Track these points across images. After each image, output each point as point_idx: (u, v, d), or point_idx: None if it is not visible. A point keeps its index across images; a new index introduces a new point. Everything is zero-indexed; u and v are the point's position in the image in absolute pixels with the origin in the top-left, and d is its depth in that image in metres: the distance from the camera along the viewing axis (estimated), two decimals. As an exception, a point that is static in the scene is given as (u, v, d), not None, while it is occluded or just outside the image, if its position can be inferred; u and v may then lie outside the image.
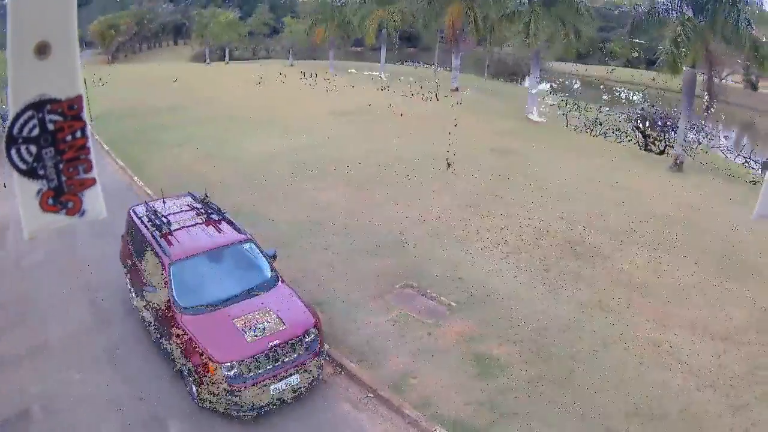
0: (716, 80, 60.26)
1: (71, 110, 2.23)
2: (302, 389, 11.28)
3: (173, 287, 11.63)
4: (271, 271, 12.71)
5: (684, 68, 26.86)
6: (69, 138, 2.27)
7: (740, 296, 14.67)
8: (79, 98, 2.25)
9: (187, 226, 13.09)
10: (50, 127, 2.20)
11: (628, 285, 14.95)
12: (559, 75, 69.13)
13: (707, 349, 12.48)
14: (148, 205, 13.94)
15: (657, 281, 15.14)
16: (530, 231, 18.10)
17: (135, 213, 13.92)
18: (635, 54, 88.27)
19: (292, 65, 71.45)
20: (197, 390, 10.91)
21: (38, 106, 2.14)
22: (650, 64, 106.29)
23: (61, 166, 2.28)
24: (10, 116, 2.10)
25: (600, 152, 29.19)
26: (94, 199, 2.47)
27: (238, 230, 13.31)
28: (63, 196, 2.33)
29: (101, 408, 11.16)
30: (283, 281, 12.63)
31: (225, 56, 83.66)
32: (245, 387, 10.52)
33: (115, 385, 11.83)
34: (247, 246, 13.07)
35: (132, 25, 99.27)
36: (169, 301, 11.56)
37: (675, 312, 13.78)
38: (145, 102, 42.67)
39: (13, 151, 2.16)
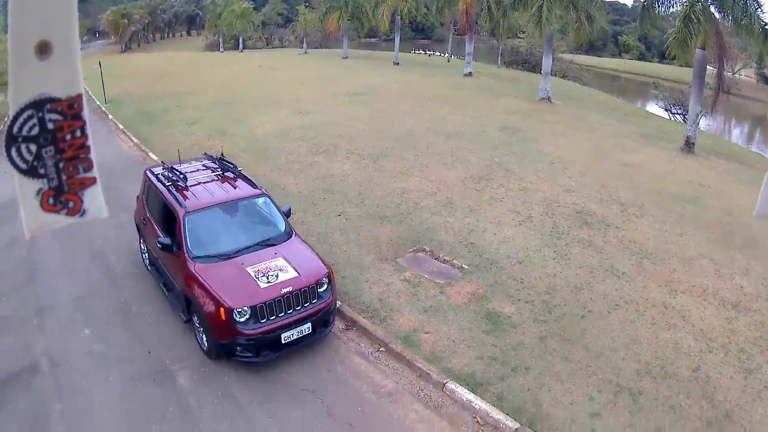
0: (728, 74, 60.66)
1: (71, 109, 2.19)
2: (314, 338, 11.31)
3: (187, 237, 11.61)
4: (285, 225, 12.70)
5: (695, 50, 26.83)
6: (69, 137, 2.21)
7: (749, 267, 14.54)
8: (79, 97, 2.23)
9: (203, 183, 13.06)
10: (50, 126, 2.14)
11: (638, 253, 14.85)
12: (572, 67, 68.39)
13: (718, 314, 12.37)
14: (165, 165, 13.93)
15: (666, 250, 15.03)
16: (541, 202, 18.02)
17: (151, 172, 13.92)
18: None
19: (305, 53, 71.29)
20: (208, 339, 10.95)
21: (38, 104, 2.08)
22: (662, 57, 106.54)
23: (61, 165, 2.21)
24: (10, 115, 2.06)
25: (611, 133, 28.95)
26: (94, 199, 2.36)
27: (254, 186, 13.30)
28: (63, 196, 2.26)
29: (109, 362, 11.16)
30: (296, 235, 12.63)
31: (239, 45, 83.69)
32: (256, 333, 10.52)
33: (124, 341, 11.86)
34: (261, 200, 13.08)
35: (145, 15, 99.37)
36: (182, 250, 11.53)
37: (685, 279, 13.68)
38: (159, 88, 42.75)
39: (13, 150, 2.10)
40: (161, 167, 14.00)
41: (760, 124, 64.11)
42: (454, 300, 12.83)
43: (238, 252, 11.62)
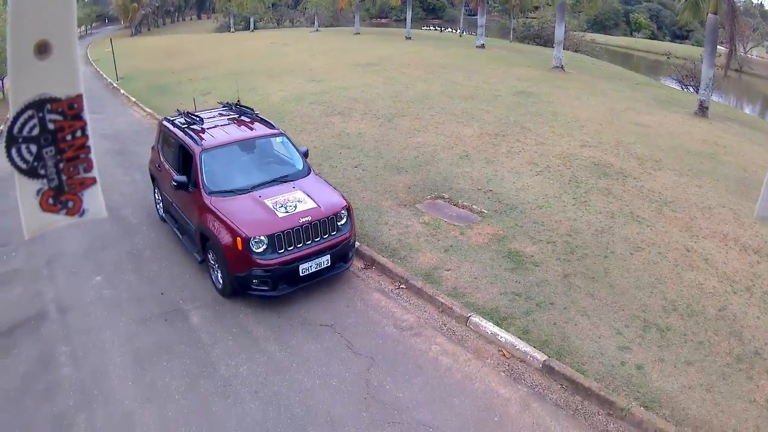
0: (740, 53, 60.38)
1: (71, 109, 2.11)
2: (332, 273, 10.95)
3: (203, 173, 11.22)
4: (303, 163, 12.30)
5: (708, 15, 26.62)
6: (69, 137, 2.15)
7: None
8: (79, 97, 2.13)
9: (219, 125, 12.68)
10: (50, 126, 2.08)
11: (658, 201, 14.38)
12: (584, 41, 67.76)
13: (740, 258, 11.92)
14: (181, 111, 13.53)
15: (686, 199, 14.56)
16: (558, 155, 17.54)
17: (167, 119, 13.47)
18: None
19: (317, 30, 70.77)
20: (223, 274, 10.59)
21: (38, 105, 2.02)
22: (674, 37, 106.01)
23: (61, 165, 2.16)
24: (10, 115, 1.99)
25: (625, 98, 28.45)
26: (94, 199, 2.32)
27: (272, 126, 12.92)
28: (63, 196, 2.21)
29: (119, 305, 10.85)
30: (315, 173, 12.24)
31: (249, 26, 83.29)
32: (274, 264, 10.14)
33: (135, 285, 11.54)
34: (279, 140, 12.67)
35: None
36: (198, 187, 11.16)
37: (705, 225, 13.22)
38: (170, 64, 42.33)
39: (14, 151, 2.04)
40: (177, 114, 13.54)
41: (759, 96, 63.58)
42: (474, 240, 12.41)
43: (255, 187, 11.23)
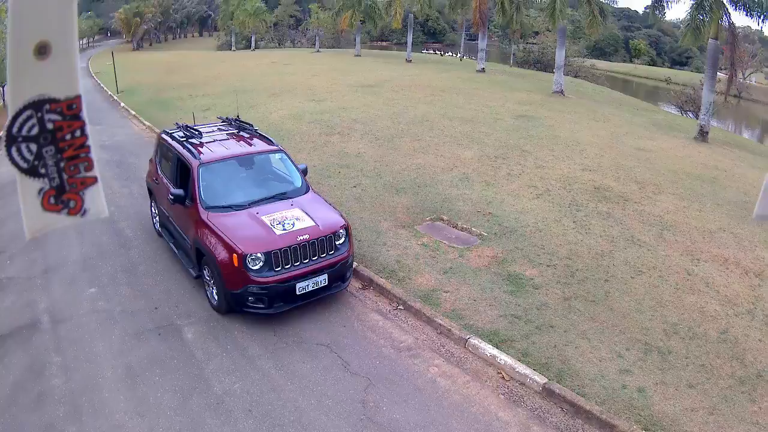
0: (740, 79, 60.57)
1: (70, 110, 2.11)
2: (329, 292, 10.79)
3: (200, 187, 11.10)
4: (302, 181, 12.17)
5: (708, 40, 26.86)
6: (69, 137, 2.15)
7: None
8: (78, 98, 2.12)
9: (218, 140, 12.59)
10: (49, 126, 2.08)
11: (658, 225, 14.27)
12: (584, 66, 67.91)
13: (741, 282, 11.78)
14: (180, 125, 13.44)
15: (686, 224, 14.45)
16: (558, 179, 17.45)
17: (165, 132, 13.40)
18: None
19: (318, 52, 70.94)
20: (218, 290, 10.43)
21: (37, 105, 2.02)
22: (673, 63, 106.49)
23: (62, 164, 2.16)
24: (9, 115, 1.99)
25: (625, 123, 28.50)
26: (95, 198, 2.31)
27: (271, 142, 12.84)
28: (64, 195, 2.21)
29: (113, 318, 10.70)
30: (314, 191, 12.12)
31: (251, 45, 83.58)
32: (270, 282, 9.98)
33: (130, 298, 11.40)
34: (278, 156, 12.57)
35: (157, 14, 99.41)
36: (195, 202, 11.04)
37: (706, 249, 13.11)
38: (171, 79, 42.52)
39: (14, 150, 2.04)
40: (176, 127, 13.43)
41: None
42: (474, 263, 12.28)
43: (253, 203, 11.11)
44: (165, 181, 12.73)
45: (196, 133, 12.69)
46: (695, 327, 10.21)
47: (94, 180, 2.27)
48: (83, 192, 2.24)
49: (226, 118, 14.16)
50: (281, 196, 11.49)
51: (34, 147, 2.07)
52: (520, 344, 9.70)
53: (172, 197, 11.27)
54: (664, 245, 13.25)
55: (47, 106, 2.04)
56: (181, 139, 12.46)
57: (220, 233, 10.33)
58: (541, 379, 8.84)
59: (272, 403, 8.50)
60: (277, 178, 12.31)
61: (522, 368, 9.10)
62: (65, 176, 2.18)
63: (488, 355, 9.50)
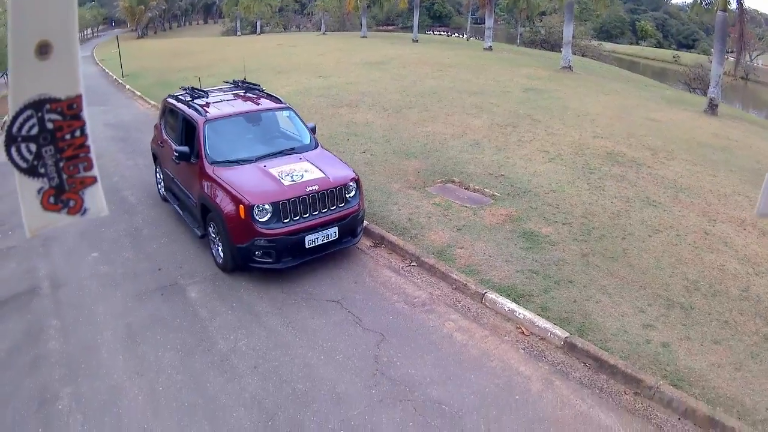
0: (747, 61, 60.24)
1: (71, 110, 2.05)
2: (339, 247, 10.35)
3: (206, 143, 10.64)
4: (311, 138, 11.69)
5: (717, 12, 26.47)
6: (68, 136, 2.10)
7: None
8: (78, 98, 2.07)
9: (225, 100, 12.15)
10: (49, 125, 2.03)
11: (673, 187, 13.74)
12: (591, 49, 67.43)
13: (760, 242, 11.29)
14: (186, 87, 13.03)
15: (701, 187, 13.93)
16: (570, 144, 16.92)
17: (171, 96, 12.96)
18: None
19: (324, 34, 70.42)
20: (224, 246, 9.98)
21: (38, 105, 1.97)
22: (680, 46, 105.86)
23: (61, 164, 2.12)
24: (9, 115, 1.93)
25: (634, 96, 28.00)
26: (95, 197, 2.28)
27: (278, 101, 12.41)
28: (64, 194, 2.17)
29: (114, 280, 10.27)
30: (323, 147, 11.64)
31: (256, 30, 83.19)
32: (278, 234, 9.51)
33: (133, 261, 10.97)
34: (286, 114, 12.08)
35: (161, 2, 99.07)
36: (201, 157, 10.58)
37: (723, 211, 12.60)
38: (177, 64, 42.06)
39: (13, 150, 1.99)
40: (182, 90, 13.00)
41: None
42: (488, 221, 11.77)
43: (260, 158, 10.62)
44: (170, 142, 12.26)
45: (203, 93, 12.29)
46: (716, 284, 9.70)
47: (94, 180, 2.25)
48: (83, 191, 2.22)
49: (233, 81, 13.66)
50: (289, 152, 11.02)
51: (33, 147, 2.04)
52: (539, 299, 9.19)
53: (176, 154, 10.83)
54: (679, 206, 12.74)
55: (48, 106, 2.01)
56: (187, 101, 12.00)
57: (226, 185, 9.84)
58: (562, 333, 8.32)
59: (279, 359, 8.01)
60: (284, 135, 11.81)
61: (542, 322, 8.59)
62: (65, 176, 2.16)
63: (506, 309, 8.99)
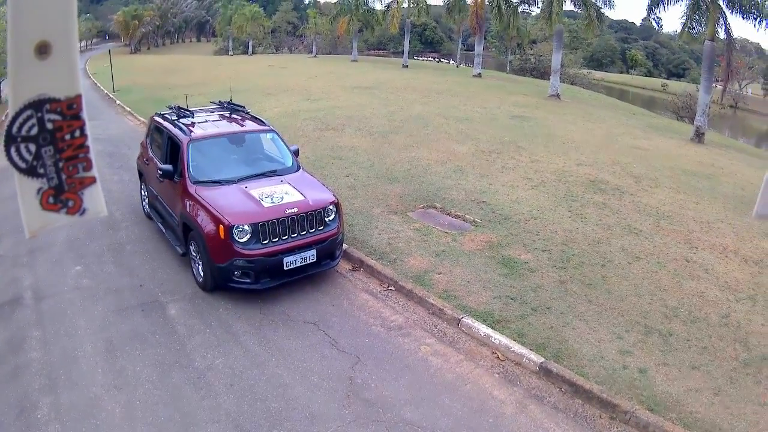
0: (736, 89, 60.85)
1: (70, 110, 2.07)
2: (318, 270, 10.49)
3: (189, 163, 10.81)
4: (293, 161, 11.86)
5: (705, 41, 27.08)
6: (68, 137, 2.11)
7: (767, 232, 13.62)
8: (78, 98, 2.09)
9: (210, 120, 12.37)
10: (49, 126, 2.04)
11: (655, 215, 13.93)
12: (580, 77, 67.96)
13: (741, 269, 11.44)
14: (172, 106, 13.22)
15: (683, 215, 14.13)
16: (553, 172, 17.13)
17: (158, 114, 13.19)
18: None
19: (315, 57, 70.82)
20: (204, 265, 10.09)
21: (37, 105, 1.98)
22: (670, 75, 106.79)
23: (60, 164, 2.13)
24: (9, 115, 1.95)
25: (621, 124, 28.38)
26: (94, 198, 2.28)
27: (262, 123, 12.62)
28: (63, 195, 2.18)
29: (96, 295, 10.37)
30: (305, 170, 11.81)
31: (248, 50, 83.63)
32: (257, 255, 9.63)
33: (115, 276, 11.09)
34: (269, 136, 12.29)
35: (155, 17, 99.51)
36: (183, 177, 10.73)
37: (704, 238, 12.77)
38: (168, 80, 42.42)
39: (13, 150, 2.00)
40: (168, 109, 13.18)
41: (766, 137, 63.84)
42: (467, 247, 11.91)
43: (242, 179, 10.79)
44: (156, 160, 12.45)
45: (188, 113, 12.48)
46: (696, 311, 9.83)
47: (93, 180, 2.23)
48: (82, 192, 2.21)
49: (219, 101, 13.85)
50: (271, 174, 11.21)
51: (33, 147, 2.03)
52: (516, 325, 9.30)
53: (160, 172, 11.00)
54: (661, 234, 12.91)
55: (47, 106, 2.00)
56: (173, 119, 12.21)
57: (207, 205, 9.99)
58: (537, 359, 8.43)
59: (255, 378, 8.11)
60: (267, 157, 12.01)
61: (517, 348, 8.70)
62: (64, 176, 2.14)
63: (482, 334, 9.08)
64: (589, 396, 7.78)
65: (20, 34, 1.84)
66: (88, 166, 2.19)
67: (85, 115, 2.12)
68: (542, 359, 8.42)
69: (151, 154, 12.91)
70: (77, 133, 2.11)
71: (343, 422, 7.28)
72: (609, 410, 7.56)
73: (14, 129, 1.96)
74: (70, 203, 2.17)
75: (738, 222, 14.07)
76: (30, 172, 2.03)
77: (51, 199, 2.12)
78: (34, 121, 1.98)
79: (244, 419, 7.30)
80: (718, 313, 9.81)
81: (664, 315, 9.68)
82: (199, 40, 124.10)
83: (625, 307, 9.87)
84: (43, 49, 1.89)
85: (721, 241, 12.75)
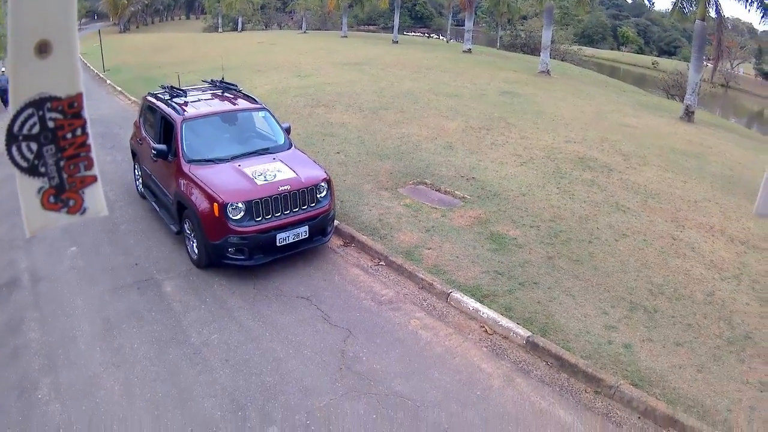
0: (728, 69, 60.95)
1: (71, 108, 2.08)
2: (310, 245, 10.72)
3: (183, 142, 10.95)
4: (285, 138, 12.03)
5: (696, 21, 27.20)
6: (69, 135, 2.12)
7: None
8: (79, 96, 2.11)
9: (203, 99, 12.49)
10: (50, 124, 2.05)
11: (643, 193, 14.14)
12: (570, 54, 67.86)
13: (727, 249, 11.67)
14: (165, 86, 13.33)
15: (671, 193, 14.33)
16: (542, 149, 17.29)
17: (151, 94, 13.24)
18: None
19: (305, 33, 70.51)
20: (198, 242, 10.30)
21: (38, 103, 1.99)
22: (661, 52, 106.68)
23: (62, 163, 2.13)
24: (10, 114, 1.95)
25: (610, 101, 28.50)
26: (95, 197, 2.30)
27: (254, 101, 12.77)
28: (64, 194, 2.18)
29: (92, 275, 10.54)
30: (296, 147, 11.96)
31: (237, 27, 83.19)
32: (251, 232, 9.85)
33: (111, 256, 11.26)
34: (261, 114, 12.45)
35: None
36: (178, 156, 10.87)
37: (691, 217, 12.99)
38: (158, 59, 42.29)
39: (14, 149, 2.00)
40: (161, 89, 13.26)
41: (759, 117, 64.00)
42: (456, 222, 12.11)
43: (235, 157, 10.96)
44: (149, 140, 12.58)
45: (181, 92, 12.60)
46: (681, 288, 10.06)
47: (94, 179, 2.24)
48: (83, 191, 2.22)
49: (211, 80, 13.96)
50: (264, 151, 11.37)
51: (34, 146, 2.03)
52: (503, 299, 9.52)
53: (154, 152, 11.13)
54: (648, 212, 13.13)
55: (48, 105, 2.01)
56: (166, 99, 12.33)
57: (201, 184, 10.17)
58: (524, 333, 8.66)
59: (250, 353, 8.32)
60: (260, 135, 12.15)
61: (505, 322, 8.93)
62: (65, 175, 2.15)
63: (471, 309, 9.32)
64: (574, 370, 8.01)
65: (20, 33, 1.87)
66: (90, 165, 2.22)
67: (86, 113, 2.15)
68: (529, 333, 8.65)
69: (144, 134, 13.03)
70: (78, 132, 2.14)
71: (335, 395, 7.50)
72: (594, 384, 7.79)
73: (16, 128, 1.98)
74: (71, 202, 2.21)
75: (725, 202, 14.29)
76: (31, 171, 2.06)
77: (52, 199, 2.15)
78: (35, 119, 2.00)
79: (240, 393, 7.51)
80: (703, 291, 10.04)
81: (649, 292, 9.90)
82: (188, 18, 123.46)
83: (611, 283, 10.09)
84: (43, 48, 1.92)
85: (708, 221, 12.97)
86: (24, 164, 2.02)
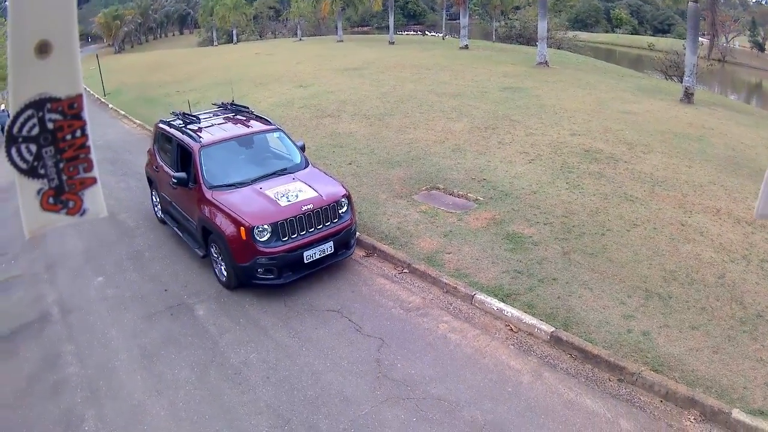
0: (723, 43, 61.02)
1: (71, 109, 2.09)
2: (335, 260, 11.09)
3: (203, 169, 11.32)
4: (301, 157, 12.41)
5: (689, 3, 27.25)
6: (69, 137, 2.13)
7: (758, 192, 14.20)
8: (79, 97, 2.11)
9: (216, 124, 12.85)
10: (50, 126, 2.05)
11: (650, 181, 14.48)
12: (566, 38, 67.96)
13: (734, 230, 12.03)
14: (177, 112, 13.63)
15: (677, 179, 14.67)
16: (549, 144, 17.65)
17: (163, 121, 13.59)
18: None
19: (300, 40, 70.83)
20: (227, 266, 10.66)
21: (38, 104, 2.00)
22: (656, 31, 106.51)
23: (61, 165, 2.13)
24: (10, 115, 1.97)
25: (610, 89, 28.65)
26: (94, 198, 2.29)
27: (268, 122, 13.10)
28: (64, 195, 2.19)
29: (123, 303, 10.88)
30: (313, 165, 12.34)
31: (232, 39, 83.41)
32: (278, 252, 10.23)
33: (138, 283, 11.58)
34: (276, 135, 12.80)
35: (137, 16, 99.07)
36: (198, 183, 11.25)
37: (698, 201, 13.34)
38: (157, 78, 42.54)
39: (14, 151, 2.01)
40: (173, 116, 13.62)
41: (756, 90, 64.05)
42: (473, 225, 12.51)
43: (255, 180, 11.35)
44: (166, 168, 12.91)
45: (194, 119, 12.90)
46: (693, 273, 10.44)
47: (94, 180, 2.27)
48: (82, 192, 2.24)
49: (222, 103, 14.31)
50: (282, 172, 11.74)
51: (33, 147, 2.05)
52: (525, 297, 9.95)
53: (174, 180, 11.46)
54: (656, 199, 13.47)
55: (48, 106, 2.04)
56: (180, 126, 12.65)
57: (225, 209, 10.56)
58: (548, 329, 9.09)
59: (289, 369, 8.71)
60: (276, 156, 12.53)
61: (529, 319, 9.36)
62: (64, 177, 2.17)
63: (495, 309, 9.76)
64: (597, 361, 8.44)
65: (20, 33, 1.87)
66: (89, 167, 2.22)
67: (86, 114, 2.16)
68: (552, 328, 9.10)
69: (160, 162, 13.28)
70: (78, 133, 2.15)
71: (375, 402, 7.94)
72: (617, 373, 8.23)
73: (15, 129, 1.98)
74: (71, 204, 2.21)
75: (730, 183, 14.64)
76: (30, 172, 2.06)
77: (51, 200, 2.15)
78: (35, 120, 2.01)
79: (284, 408, 7.92)
80: (714, 274, 10.41)
81: (663, 279, 10.30)
82: (182, 33, 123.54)
83: (626, 274, 10.49)
84: (43, 49, 1.93)
85: (714, 204, 13.33)
86: (23, 166, 2.05)
